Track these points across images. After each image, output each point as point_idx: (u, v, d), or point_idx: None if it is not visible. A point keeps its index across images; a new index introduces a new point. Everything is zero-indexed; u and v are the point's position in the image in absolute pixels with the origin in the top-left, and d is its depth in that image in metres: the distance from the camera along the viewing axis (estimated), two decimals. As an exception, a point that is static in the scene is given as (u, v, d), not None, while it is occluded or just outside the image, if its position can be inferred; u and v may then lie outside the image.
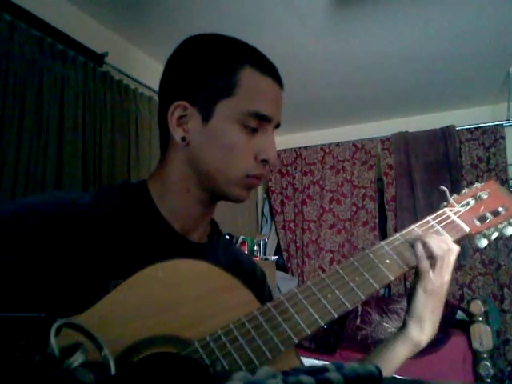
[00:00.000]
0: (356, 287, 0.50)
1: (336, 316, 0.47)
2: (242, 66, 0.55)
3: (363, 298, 0.49)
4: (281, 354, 0.43)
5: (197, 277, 0.45)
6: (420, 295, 0.58)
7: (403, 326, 0.61)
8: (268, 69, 0.57)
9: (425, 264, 0.56)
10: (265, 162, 0.57)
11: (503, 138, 2.69)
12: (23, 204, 0.51)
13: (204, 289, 0.45)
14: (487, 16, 1.86)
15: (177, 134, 0.56)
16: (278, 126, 0.60)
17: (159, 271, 0.43)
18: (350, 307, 0.48)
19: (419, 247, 0.56)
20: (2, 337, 0.27)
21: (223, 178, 0.56)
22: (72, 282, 0.45)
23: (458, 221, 0.61)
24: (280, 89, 0.59)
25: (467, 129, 2.81)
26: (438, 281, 0.56)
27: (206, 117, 0.55)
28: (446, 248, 0.56)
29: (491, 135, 2.73)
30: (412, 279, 0.61)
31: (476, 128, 2.79)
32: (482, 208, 0.63)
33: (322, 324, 0.46)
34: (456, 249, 0.57)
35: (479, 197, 0.64)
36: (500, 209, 0.63)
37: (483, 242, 0.62)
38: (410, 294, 0.60)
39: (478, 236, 0.62)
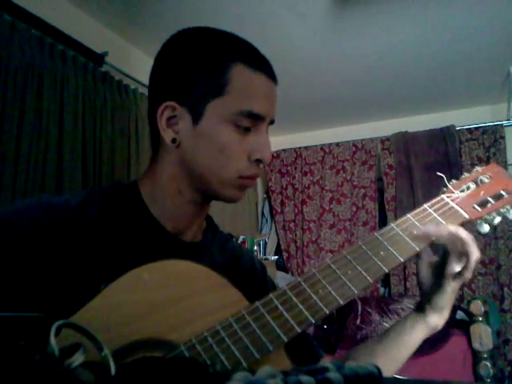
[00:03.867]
0: (348, 281, 0.47)
1: (327, 312, 0.45)
2: (233, 63, 0.52)
3: (356, 292, 0.47)
4: (270, 354, 0.41)
5: (183, 278, 0.44)
6: (454, 289, 0.56)
7: (421, 311, 0.60)
8: (260, 64, 0.55)
9: (477, 257, 0.52)
10: (259, 161, 0.55)
11: (503, 138, 2.69)
12: (10, 210, 0.50)
13: (191, 290, 0.44)
14: (487, 15, 1.86)
15: (167, 135, 0.54)
16: (272, 122, 0.57)
17: (144, 273, 0.42)
18: (342, 303, 0.46)
19: (470, 241, 0.52)
20: (2, 337, 0.27)
21: (216, 179, 0.54)
22: (62, 286, 0.45)
23: (457, 207, 0.57)
24: (274, 84, 0.57)
25: (467, 129, 2.81)
26: None
27: (196, 118, 0.53)
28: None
29: (491, 135, 2.73)
30: (446, 273, 0.57)
31: (476, 128, 2.79)
32: (482, 192, 0.59)
33: (313, 321, 0.44)
34: None
35: (480, 181, 0.61)
36: (502, 192, 0.59)
37: (485, 228, 0.59)
38: (438, 286, 0.57)
39: (478, 222, 0.59)
